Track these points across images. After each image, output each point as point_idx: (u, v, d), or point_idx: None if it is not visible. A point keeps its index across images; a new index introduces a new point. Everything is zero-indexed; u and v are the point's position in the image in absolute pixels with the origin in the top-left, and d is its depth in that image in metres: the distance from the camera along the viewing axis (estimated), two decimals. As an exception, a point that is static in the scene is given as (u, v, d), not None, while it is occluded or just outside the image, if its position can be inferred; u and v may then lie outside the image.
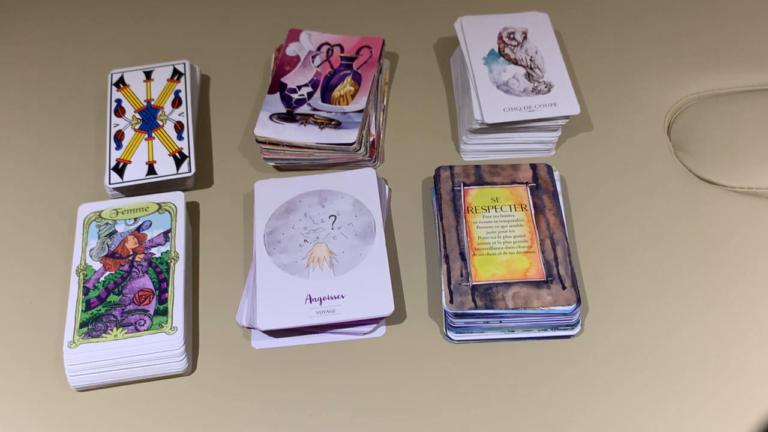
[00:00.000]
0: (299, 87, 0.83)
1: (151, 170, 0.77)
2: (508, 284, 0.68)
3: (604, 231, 0.76)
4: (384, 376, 0.68)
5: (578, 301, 0.67)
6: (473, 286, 0.68)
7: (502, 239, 0.71)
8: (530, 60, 0.81)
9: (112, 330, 0.67)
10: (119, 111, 0.82)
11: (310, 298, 0.69)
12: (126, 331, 0.67)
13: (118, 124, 0.81)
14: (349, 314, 0.68)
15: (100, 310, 0.68)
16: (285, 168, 0.81)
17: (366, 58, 0.85)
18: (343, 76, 0.84)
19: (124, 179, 0.77)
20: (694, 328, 0.69)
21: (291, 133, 0.78)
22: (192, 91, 0.84)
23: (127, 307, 0.68)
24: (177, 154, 0.78)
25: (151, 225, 0.74)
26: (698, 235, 0.75)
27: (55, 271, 0.74)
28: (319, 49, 0.86)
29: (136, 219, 0.74)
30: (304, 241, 0.72)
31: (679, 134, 0.84)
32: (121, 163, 0.78)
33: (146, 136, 0.80)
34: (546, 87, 0.79)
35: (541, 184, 0.75)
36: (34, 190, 0.80)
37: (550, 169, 0.76)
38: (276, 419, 0.66)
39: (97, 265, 0.71)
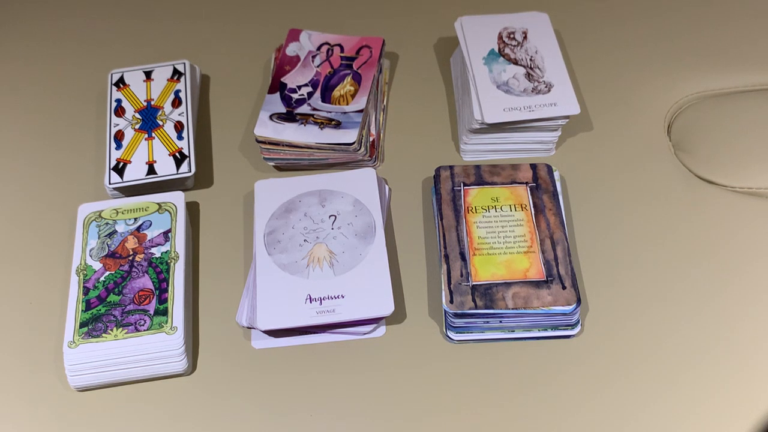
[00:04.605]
0: (299, 87, 0.82)
1: (151, 170, 0.77)
2: (508, 284, 0.68)
3: (604, 231, 0.76)
4: (384, 376, 0.68)
5: (578, 301, 0.67)
6: (473, 286, 0.68)
7: (502, 239, 0.71)
8: (530, 60, 0.81)
9: (112, 330, 0.67)
10: (119, 111, 0.82)
11: (310, 298, 0.69)
12: (126, 331, 0.67)
13: (118, 124, 0.81)
14: (349, 314, 0.68)
15: (100, 310, 0.68)
16: (285, 168, 0.81)
17: (366, 58, 0.85)
18: (343, 76, 0.84)
19: (124, 179, 0.77)
20: (694, 327, 0.69)
21: (291, 133, 0.78)
22: (192, 91, 0.84)
23: (127, 307, 0.68)
24: (177, 154, 0.78)
25: (151, 225, 0.74)
26: (698, 235, 0.75)
27: (55, 271, 0.74)
28: (319, 49, 0.86)
29: (136, 219, 0.74)
30: (304, 241, 0.72)
31: (679, 134, 0.84)
32: (121, 163, 0.78)
33: (146, 136, 0.80)
34: (546, 87, 0.79)
35: (541, 184, 0.75)
36: (34, 190, 0.80)
37: (550, 169, 0.76)
38: (276, 419, 0.66)
39: (97, 265, 0.71)
